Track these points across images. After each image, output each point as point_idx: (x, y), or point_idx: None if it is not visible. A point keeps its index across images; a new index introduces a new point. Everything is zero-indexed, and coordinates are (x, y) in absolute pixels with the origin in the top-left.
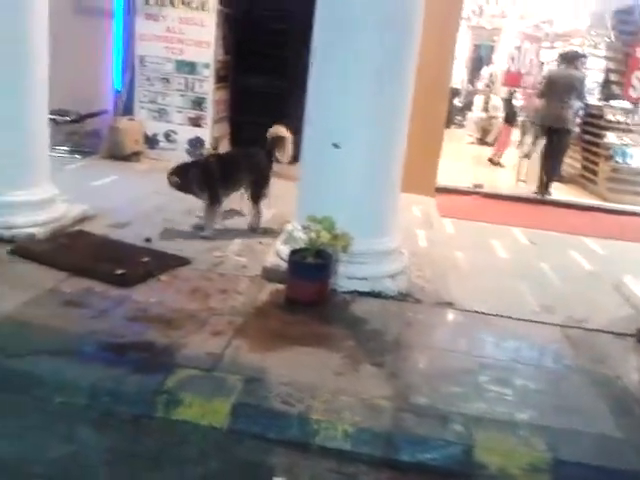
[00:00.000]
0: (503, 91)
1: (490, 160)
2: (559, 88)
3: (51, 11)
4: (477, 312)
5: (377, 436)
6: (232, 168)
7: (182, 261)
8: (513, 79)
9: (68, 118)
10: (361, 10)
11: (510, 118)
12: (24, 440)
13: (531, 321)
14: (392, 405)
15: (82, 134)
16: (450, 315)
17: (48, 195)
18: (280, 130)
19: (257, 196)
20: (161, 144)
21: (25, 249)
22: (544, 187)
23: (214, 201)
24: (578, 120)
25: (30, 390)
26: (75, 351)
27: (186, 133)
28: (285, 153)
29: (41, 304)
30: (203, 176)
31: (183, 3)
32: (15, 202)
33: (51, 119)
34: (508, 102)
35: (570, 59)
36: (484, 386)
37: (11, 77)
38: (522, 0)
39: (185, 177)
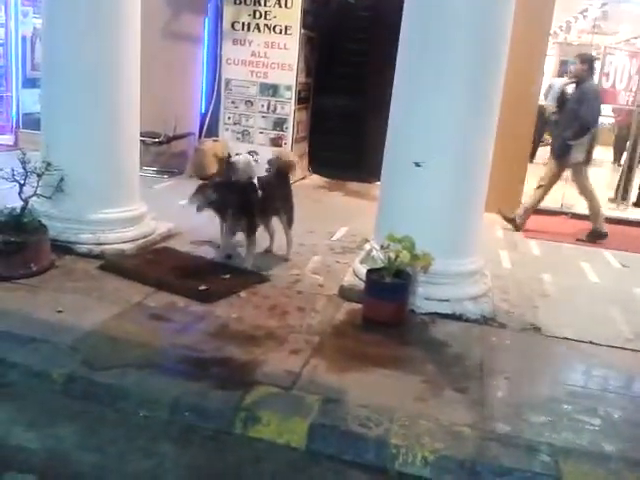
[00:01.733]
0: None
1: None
2: None
3: (142, 37)
4: (566, 338)
5: (459, 464)
6: (269, 195)
7: (261, 278)
8: (608, 96)
9: (157, 140)
10: (449, 27)
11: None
12: (106, 453)
13: (623, 348)
14: (475, 433)
15: (169, 155)
16: (537, 341)
17: (138, 212)
18: (287, 154)
19: (290, 223)
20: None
21: (114, 264)
22: None
23: (253, 230)
24: None
25: (115, 403)
26: (159, 365)
27: (267, 153)
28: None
29: (128, 318)
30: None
31: (268, 28)
32: (106, 219)
33: (141, 140)
34: None
35: None
36: (572, 415)
37: (108, 102)
38: (613, 16)
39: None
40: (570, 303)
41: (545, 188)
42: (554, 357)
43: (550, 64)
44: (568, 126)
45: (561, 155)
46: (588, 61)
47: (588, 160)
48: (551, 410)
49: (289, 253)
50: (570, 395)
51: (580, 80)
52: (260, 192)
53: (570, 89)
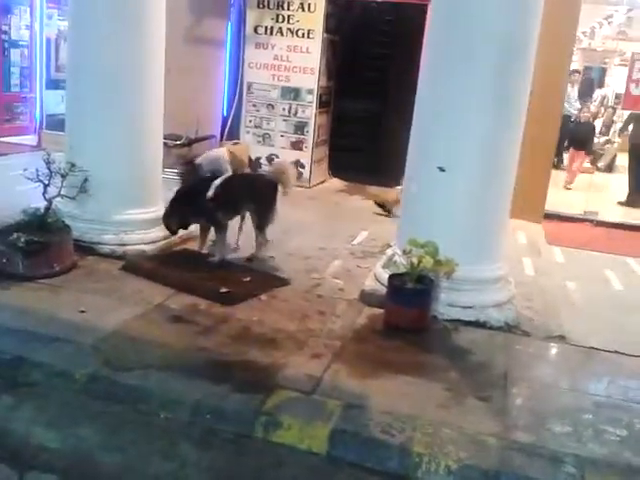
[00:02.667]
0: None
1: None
2: None
3: (165, 41)
4: (591, 348)
5: (483, 474)
6: (230, 193)
7: (282, 281)
8: (635, 102)
9: (178, 142)
10: (476, 32)
11: (579, 143)
12: (127, 454)
13: None
14: (499, 442)
15: (190, 157)
16: (561, 350)
17: (159, 214)
18: (284, 166)
19: (262, 224)
20: (263, 167)
21: (135, 265)
22: None
23: (218, 227)
24: None
25: (136, 404)
26: (180, 367)
27: (287, 156)
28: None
29: (149, 319)
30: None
31: (291, 31)
32: (129, 220)
33: (163, 143)
34: (578, 125)
35: None
36: (598, 426)
37: (132, 104)
38: (639, 22)
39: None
40: (595, 311)
41: None
42: (579, 366)
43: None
44: None
45: None
46: None
47: None
48: (576, 420)
49: (258, 253)
50: (595, 405)
51: None
52: (213, 190)
53: None
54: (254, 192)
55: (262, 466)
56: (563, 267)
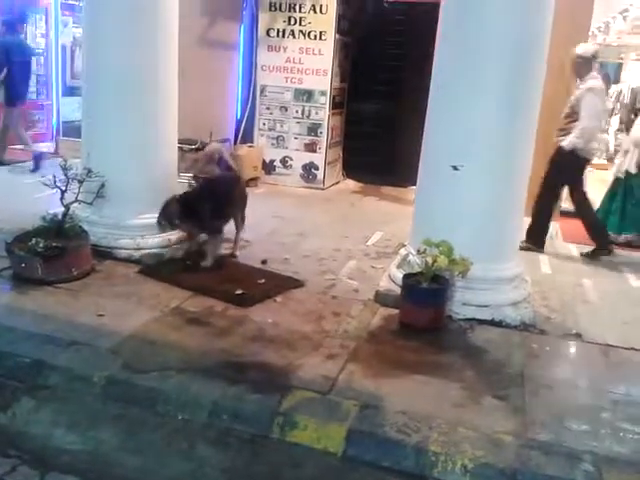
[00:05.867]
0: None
1: None
2: None
3: (179, 45)
4: (608, 345)
5: (500, 472)
6: (223, 195)
7: (296, 283)
8: None
9: (193, 146)
10: (487, 31)
11: None
12: (146, 456)
13: None
14: (516, 441)
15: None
16: (579, 348)
17: None
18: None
19: (242, 221)
20: (277, 169)
21: (152, 269)
22: None
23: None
24: None
25: (155, 406)
26: (198, 369)
27: (301, 158)
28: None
29: (166, 321)
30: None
31: (303, 34)
32: (145, 224)
33: (178, 147)
34: None
35: None
36: (616, 424)
37: (147, 109)
38: None
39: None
40: (612, 309)
41: None
42: (596, 364)
43: None
44: None
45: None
46: None
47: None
48: (594, 419)
49: (236, 250)
50: (613, 403)
51: None
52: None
53: None
54: (234, 193)
55: (279, 466)
56: (579, 264)
